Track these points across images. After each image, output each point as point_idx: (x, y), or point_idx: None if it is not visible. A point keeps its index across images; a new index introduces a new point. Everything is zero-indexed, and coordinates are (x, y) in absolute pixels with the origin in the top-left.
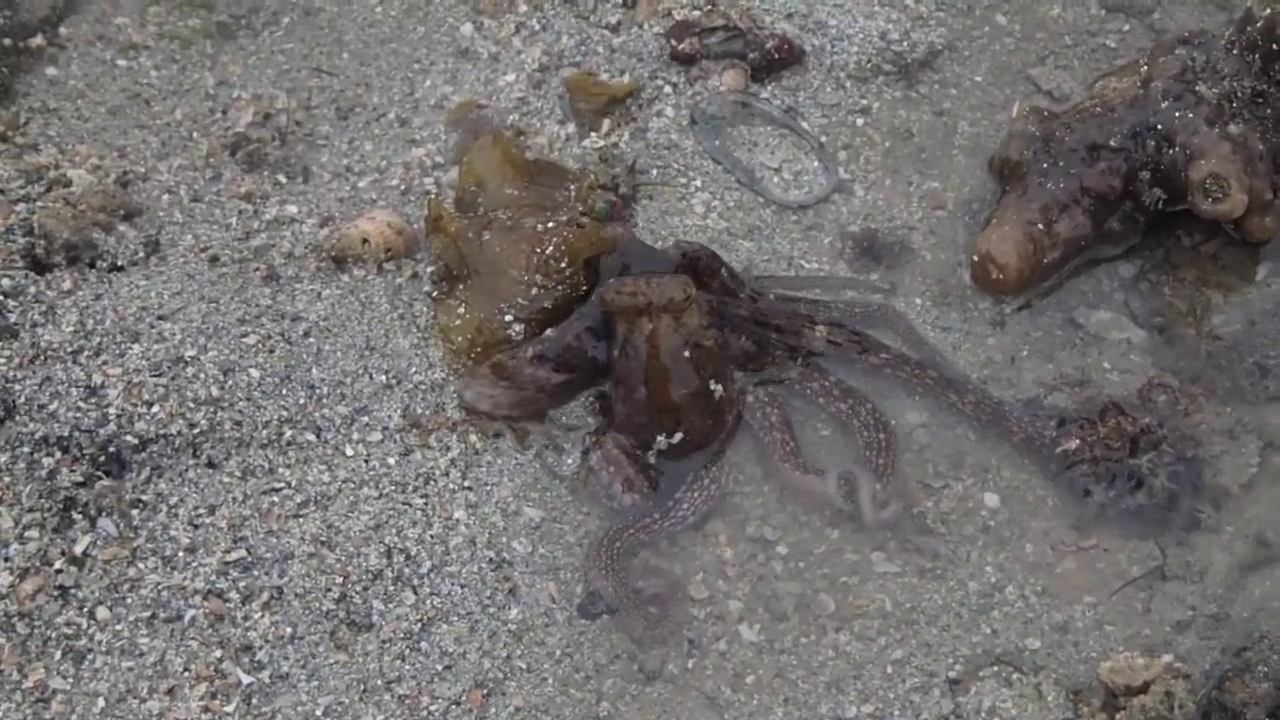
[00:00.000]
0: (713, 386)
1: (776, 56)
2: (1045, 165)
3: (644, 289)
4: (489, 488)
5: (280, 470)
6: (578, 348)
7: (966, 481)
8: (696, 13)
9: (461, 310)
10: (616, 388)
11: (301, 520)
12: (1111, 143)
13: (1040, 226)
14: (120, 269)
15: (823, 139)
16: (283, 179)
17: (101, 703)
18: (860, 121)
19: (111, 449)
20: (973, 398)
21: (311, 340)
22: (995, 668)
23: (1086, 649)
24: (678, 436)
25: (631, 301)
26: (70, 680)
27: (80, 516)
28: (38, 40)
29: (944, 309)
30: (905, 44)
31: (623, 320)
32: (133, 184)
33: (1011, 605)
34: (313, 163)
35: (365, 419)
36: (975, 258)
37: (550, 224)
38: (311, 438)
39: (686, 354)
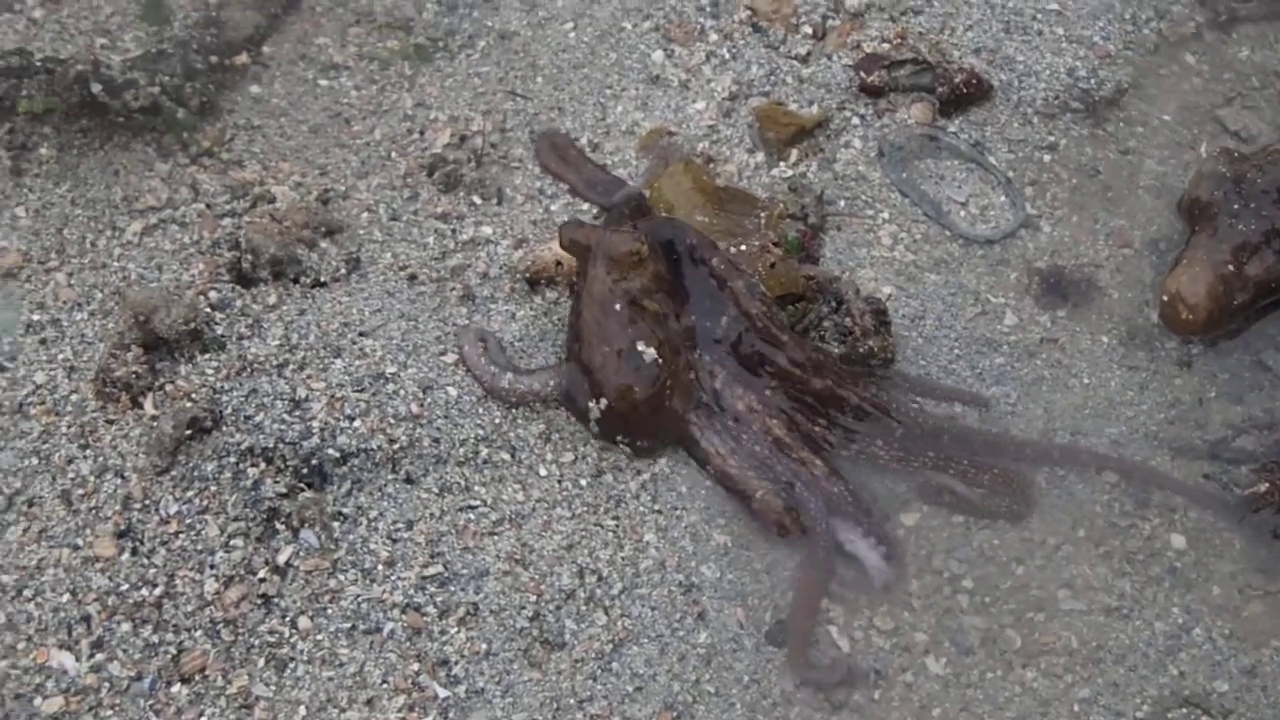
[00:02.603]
0: (641, 348)
1: (964, 91)
2: (1236, 206)
3: (592, 234)
4: (678, 512)
5: (476, 488)
6: None
7: (1153, 522)
8: (886, 46)
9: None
10: (567, 339)
11: (496, 538)
12: None
13: (1231, 268)
14: (322, 285)
15: (1010, 174)
16: (478, 200)
17: (303, 711)
18: (1047, 158)
19: (314, 461)
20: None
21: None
22: (1184, 710)
23: (1275, 694)
24: (603, 402)
25: (583, 240)
26: (273, 688)
27: (283, 527)
28: (242, 58)
29: (1131, 348)
30: (1093, 81)
31: (579, 264)
32: (333, 201)
33: (1199, 647)
34: (507, 185)
35: (556, 436)
36: (1165, 297)
37: (742, 247)
38: (506, 456)
39: (617, 307)
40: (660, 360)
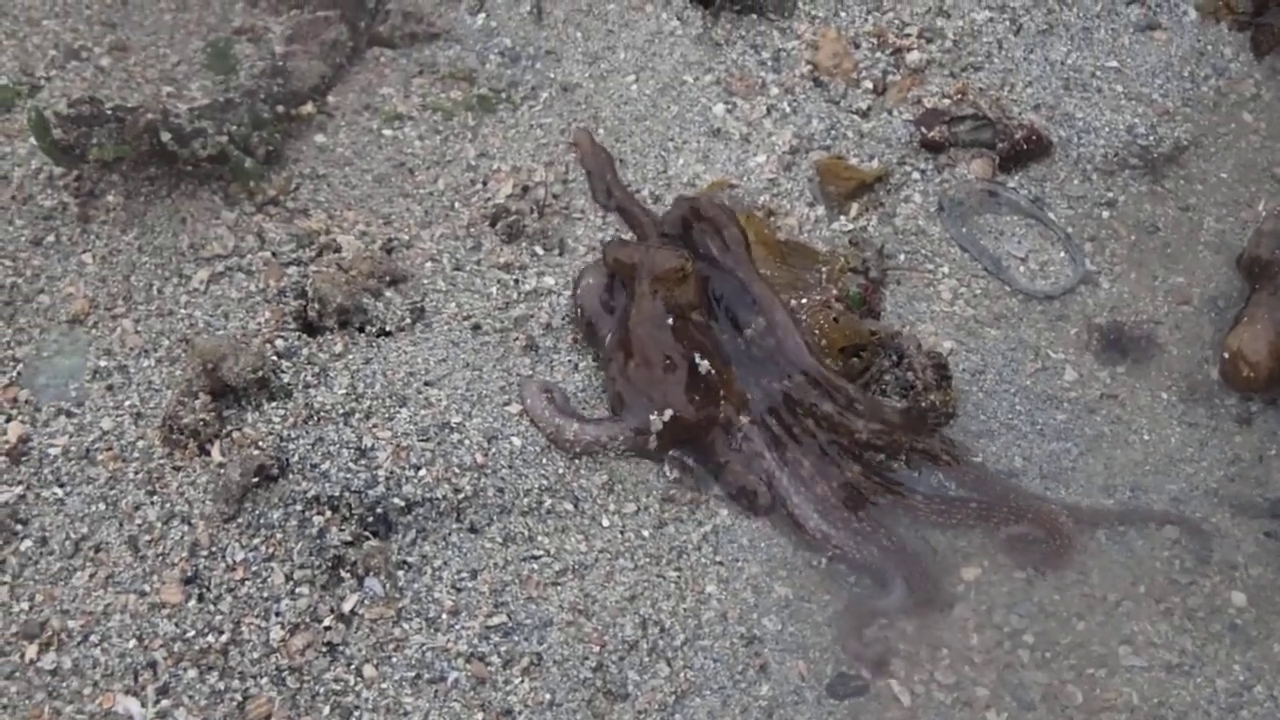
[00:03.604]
0: (699, 361)
1: (1024, 147)
2: None
3: (639, 253)
4: (740, 564)
5: (540, 538)
6: None
7: (1214, 579)
8: (946, 101)
9: None
10: (608, 360)
11: (560, 588)
12: None
13: None
14: (388, 334)
15: (1069, 230)
16: (540, 250)
17: None
18: (1106, 214)
19: (379, 510)
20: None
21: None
22: None
23: None
24: (668, 414)
25: (628, 260)
26: None
27: (348, 575)
28: (308, 108)
29: (1190, 405)
30: (1152, 138)
31: (625, 280)
32: (397, 250)
33: (1260, 705)
34: (569, 236)
35: (619, 487)
36: (1226, 355)
37: (804, 300)
38: (570, 507)
39: (670, 322)
40: (714, 372)
